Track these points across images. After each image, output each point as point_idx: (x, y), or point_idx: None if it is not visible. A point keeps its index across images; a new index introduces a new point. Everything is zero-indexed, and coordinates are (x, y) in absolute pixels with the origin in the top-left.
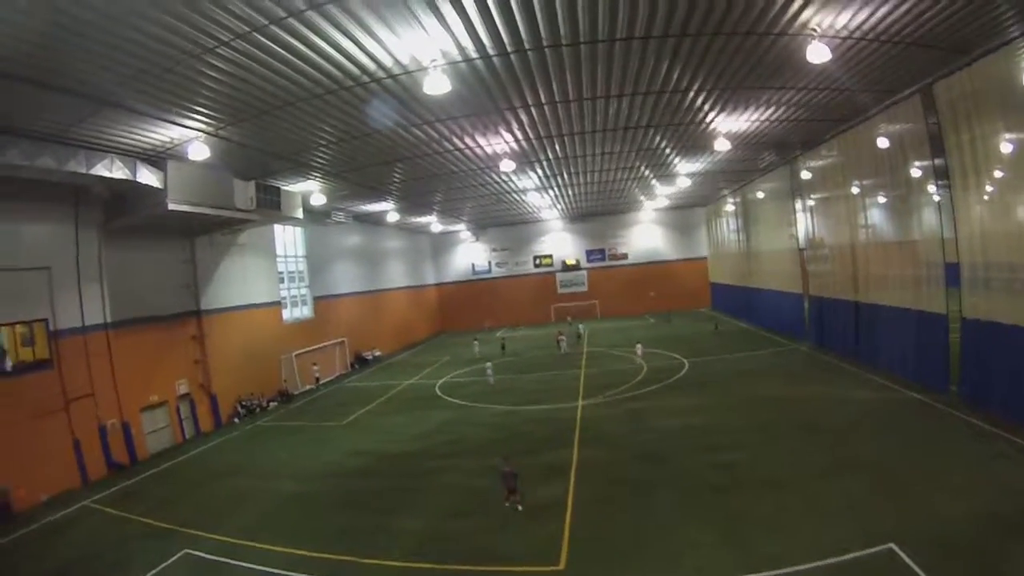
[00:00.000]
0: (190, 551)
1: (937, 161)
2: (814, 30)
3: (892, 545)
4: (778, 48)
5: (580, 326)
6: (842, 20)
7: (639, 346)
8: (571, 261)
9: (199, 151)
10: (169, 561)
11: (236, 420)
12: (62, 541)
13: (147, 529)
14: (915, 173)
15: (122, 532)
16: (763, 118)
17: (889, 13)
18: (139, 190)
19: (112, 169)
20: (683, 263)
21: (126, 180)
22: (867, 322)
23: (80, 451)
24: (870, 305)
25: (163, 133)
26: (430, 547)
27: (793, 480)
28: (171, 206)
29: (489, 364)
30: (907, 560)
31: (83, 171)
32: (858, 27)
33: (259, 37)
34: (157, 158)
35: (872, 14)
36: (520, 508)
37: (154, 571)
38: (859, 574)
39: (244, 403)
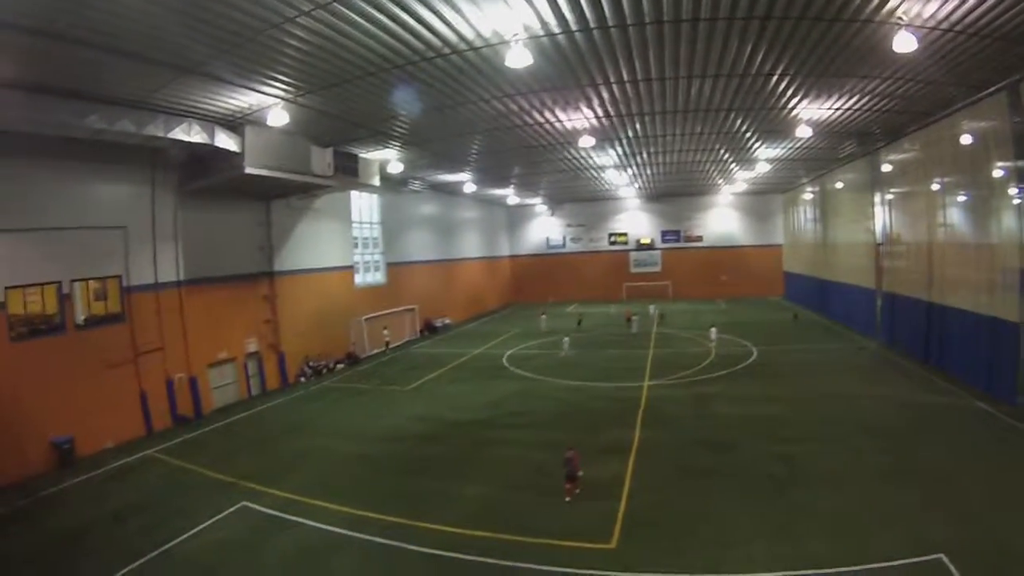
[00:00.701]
0: (248, 504)
1: (1020, 163)
2: (901, 19)
3: (942, 556)
4: (864, 36)
5: (651, 307)
6: (930, 10)
7: (713, 330)
8: (646, 240)
9: (278, 117)
10: (227, 512)
11: (302, 380)
12: (123, 486)
13: (207, 480)
14: (997, 174)
15: (182, 481)
16: (846, 106)
17: (979, 4)
18: (217, 154)
19: (190, 133)
20: (757, 249)
21: (204, 144)
22: (938, 323)
23: (146, 402)
24: (942, 306)
25: (242, 99)
26: (485, 516)
27: (851, 479)
28: (248, 169)
29: (566, 338)
30: (955, 572)
31: (161, 135)
32: (946, 18)
33: (340, 7)
34: (235, 123)
35: (961, 4)
36: (578, 491)
37: (211, 520)
38: None
39: (311, 363)
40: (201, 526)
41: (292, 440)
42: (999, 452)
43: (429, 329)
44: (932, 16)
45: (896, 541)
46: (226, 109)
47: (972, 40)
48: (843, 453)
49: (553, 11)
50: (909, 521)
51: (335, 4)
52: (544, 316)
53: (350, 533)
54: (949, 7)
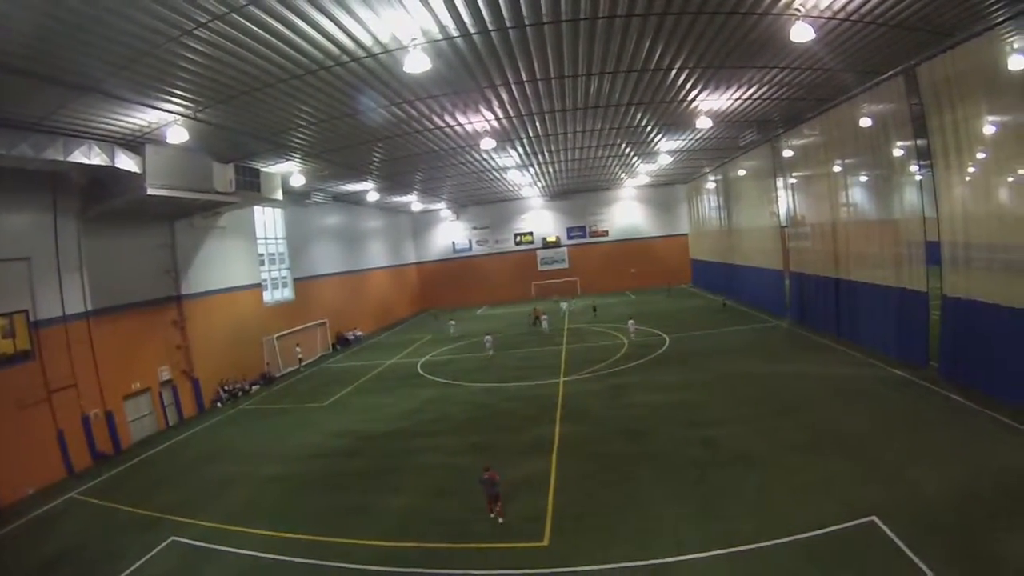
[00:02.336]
0: (176, 538)
1: (919, 142)
2: (798, 10)
3: (874, 518)
4: (762, 27)
5: (563, 304)
6: (827, 0)
7: (631, 321)
8: (552, 238)
9: (177, 134)
10: (156, 549)
11: (219, 404)
12: (50, 534)
13: (133, 518)
14: (897, 153)
15: (109, 522)
16: (745, 96)
17: None
18: (117, 176)
19: (90, 156)
20: (664, 240)
21: (105, 166)
22: (848, 299)
23: (64, 442)
24: (851, 282)
25: (141, 117)
26: (412, 526)
27: (774, 455)
28: (150, 191)
29: (488, 336)
30: (889, 533)
31: (61, 158)
32: (842, 8)
33: (237, 17)
34: (135, 143)
35: None
36: (501, 520)
37: (142, 560)
38: (841, 546)
39: (226, 387)
40: (132, 567)
41: (214, 467)
42: (917, 413)
43: (341, 343)
44: (828, 7)
45: (826, 509)
46: (126, 128)
47: (869, 28)
48: (763, 431)
49: (451, 14)
50: (837, 489)
51: (232, 15)
52: (453, 323)
53: (279, 557)
54: None
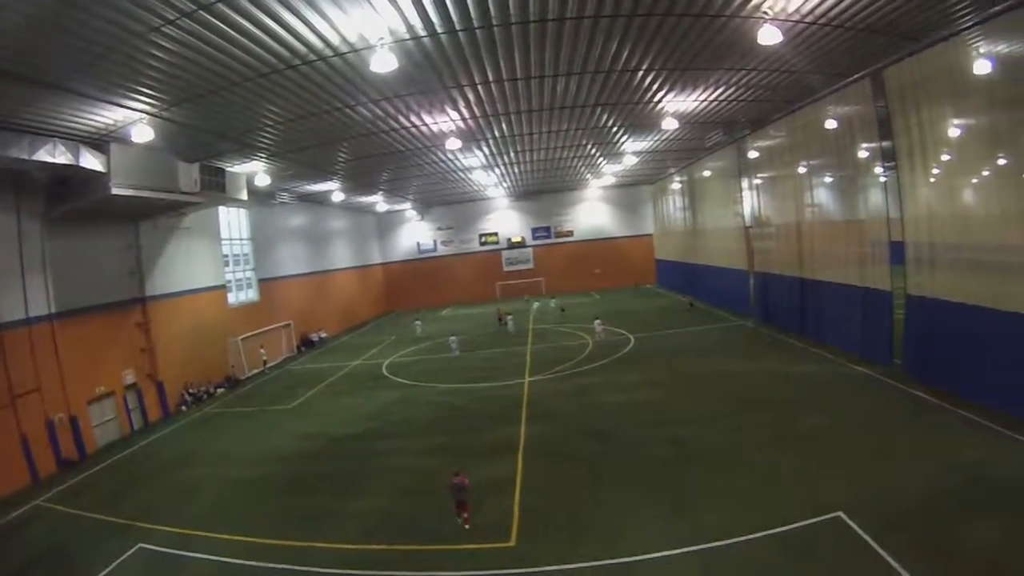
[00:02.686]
0: (144, 545)
1: (885, 143)
2: (766, 13)
3: (840, 514)
4: (729, 30)
5: (536, 303)
6: (795, 4)
7: (597, 322)
8: (517, 239)
9: (143, 133)
10: (124, 557)
11: (184, 408)
12: (16, 543)
13: (100, 525)
14: (863, 155)
15: (75, 530)
16: (712, 98)
17: None
18: (82, 175)
19: (55, 154)
20: (629, 240)
21: (69, 165)
22: (812, 298)
23: (28, 448)
24: (815, 282)
25: (107, 115)
26: (379, 529)
27: (740, 453)
28: (114, 190)
29: (453, 337)
30: (856, 528)
31: (26, 157)
32: (811, 11)
33: (205, 15)
34: (100, 141)
35: None
36: (467, 527)
37: (108, 568)
38: (808, 542)
39: (191, 390)
40: None
41: (180, 472)
42: (881, 410)
43: (306, 344)
44: (796, 10)
45: (793, 506)
46: (91, 127)
47: (836, 31)
48: (729, 429)
49: (419, 13)
50: (803, 485)
51: (200, 12)
52: (419, 323)
53: (249, 563)
54: (813, 1)
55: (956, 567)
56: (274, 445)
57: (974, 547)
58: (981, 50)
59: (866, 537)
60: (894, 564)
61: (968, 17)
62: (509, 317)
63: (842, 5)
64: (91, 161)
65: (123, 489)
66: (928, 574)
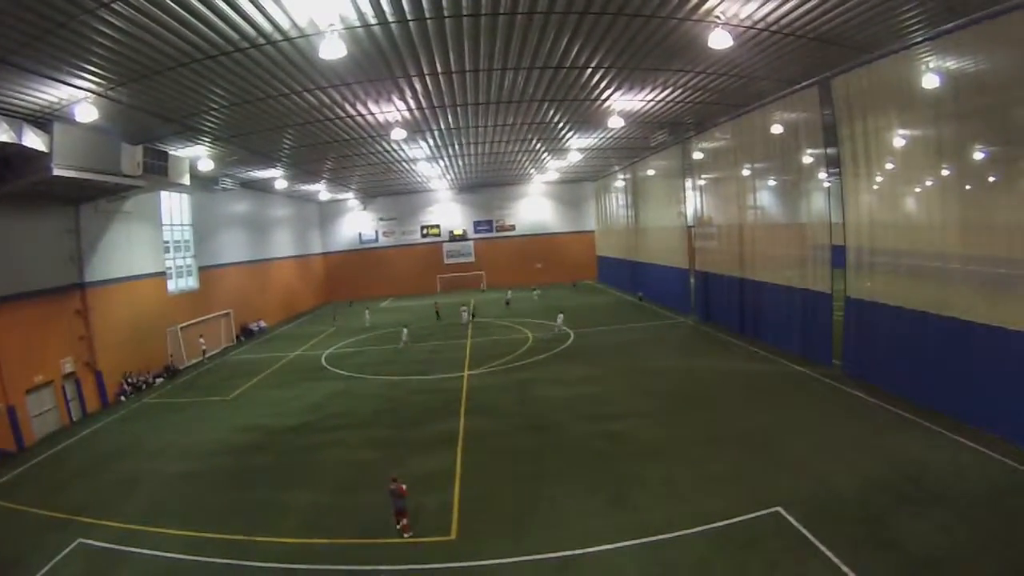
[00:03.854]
0: (84, 540)
1: (830, 150)
2: (718, 18)
3: (779, 509)
4: (680, 32)
5: (509, 293)
6: (747, 10)
7: (560, 316)
8: (458, 231)
9: (87, 112)
10: (63, 553)
11: (123, 398)
12: None
13: (38, 520)
14: (807, 160)
15: (13, 526)
16: (659, 98)
17: (796, 7)
18: (24, 154)
19: None
20: (570, 236)
21: (11, 143)
22: (753, 298)
23: None
24: (756, 282)
25: (51, 93)
26: (320, 522)
27: (678, 448)
28: (56, 171)
29: (405, 329)
30: (793, 522)
31: None
32: (763, 18)
33: None
34: (43, 119)
35: (778, 7)
36: (407, 535)
37: (48, 565)
38: (748, 536)
39: (130, 380)
40: (39, 573)
41: (120, 465)
42: (820, 409)
43: (245, 334)
44: (749, 16)
45: (732, 501)
46: (34, 104)
47: (787, 39)
48: (668, 424)
49: (370, 1)
50: (742, 481)
51: None
52: (368, 312)
53: (191, 558)
54: (766, 9)
55: (892, 560)
56: (214, 437)
57: (909, 540)
58: (931, 65)
59: (804, 531)
60: (832, 557)
61: (919, 33)
62: (464, 309)
63: (794, 14)
64: (33, 140)
65: (63, 482)
66: (864, 567)
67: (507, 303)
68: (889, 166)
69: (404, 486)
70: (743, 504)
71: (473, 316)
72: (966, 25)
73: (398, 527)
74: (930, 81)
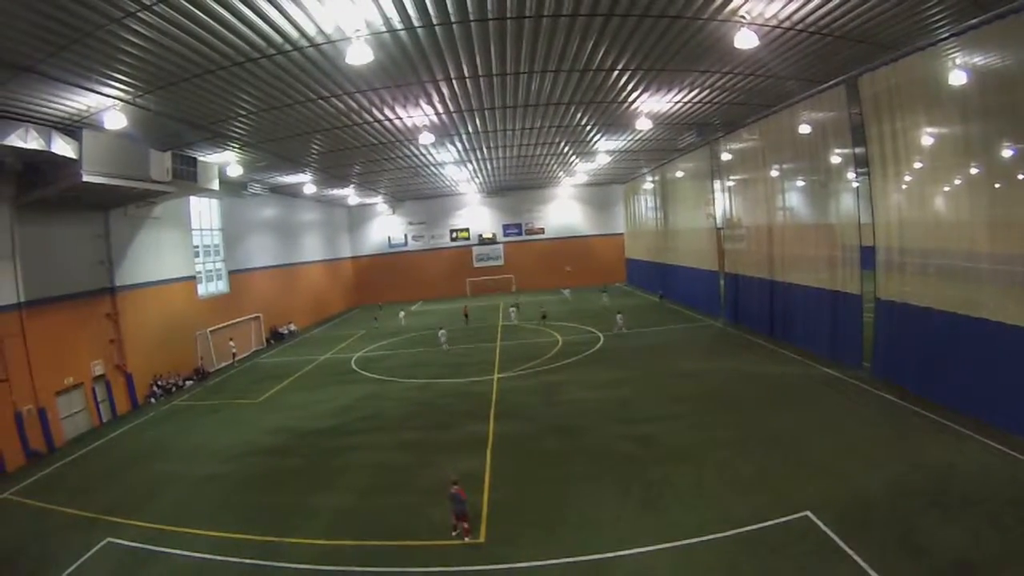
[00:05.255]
0: (112, 540)
1: (858, 150)
2: (743, 17)
3: (808, 513)
4: (706, 33)
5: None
6: (772, 9)
7: (620, 316)
8: (488, 235)
9: (116, 120)
10: (92, 551)
11: (152, 400)
12: None
13: (68, 519)
14: (835, 160)
15: (43, 525)
16: (686, 100)
17: (821, 6)
18: (54, 161)
19: (27, 139)
20: (600, 239)
21: (41, 151)
22: (782, 300)
23: None
24: (785, 284)
25: (80, 101)
26: (350, 524)
27: (708, 452)
28: (86, 177)
29: (442, 331)
30: (823, 527)
31: None
32: (788, 17)
33: (182, 1)
34: (72, 127)
35: (803, 5)
36: (467, 539)
37: (77, 563)
38: (777, 540)
39: (160, 382)
40: (67, 571)
41: (149, 466)
42: (849, 412)
43: (275, 337)
44: (774, 15)
45: (761, 505)
46: (64, 112)
47: (813, 38)
48: (697, 428)
49: (396, 6)
50: (771, 485)
51: None
52: (403, 313)
53: (220, 558)
54: (791, 8)
55: (922, 565)
56: (243, 439)
57: (939, 546)
58: (957, 61)
59: (833, 536)
60: (861, 563)
61: (945, 28)
62: (512, 309)
63: (819, 12)
64: (63, 147)
65: (92, 483)
66: (894, 572)
67: (516, 307)
68: (917, 165)
69: (463, 490)
70: (773, 508)
71: (544, 316)
72: (991, 20)
73: (455, 532)
74: (957, 78)
